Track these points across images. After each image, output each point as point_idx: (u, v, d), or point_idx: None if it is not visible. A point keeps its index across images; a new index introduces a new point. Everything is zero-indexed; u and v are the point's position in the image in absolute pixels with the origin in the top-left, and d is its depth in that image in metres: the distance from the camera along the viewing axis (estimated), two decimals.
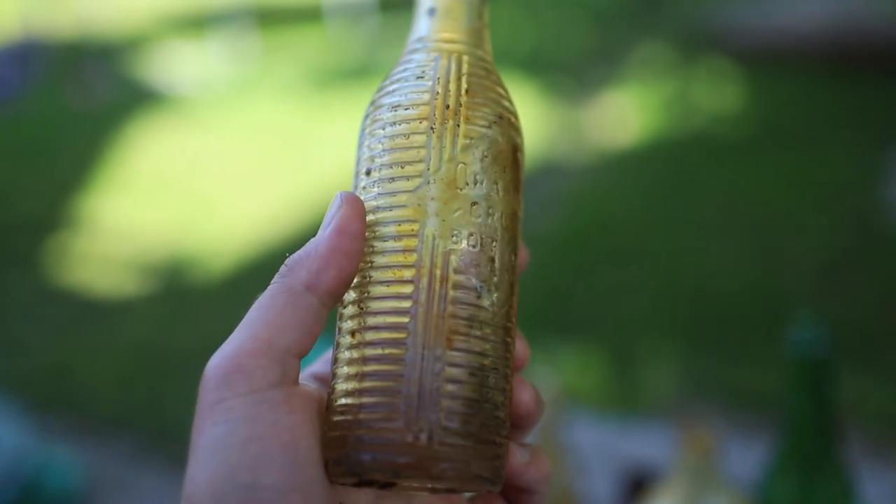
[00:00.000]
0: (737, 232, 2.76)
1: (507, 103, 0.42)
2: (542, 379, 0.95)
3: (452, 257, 0.39)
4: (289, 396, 0.36)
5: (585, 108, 3.77)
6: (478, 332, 0.38)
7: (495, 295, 0.39)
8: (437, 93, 0.41)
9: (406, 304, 0.38)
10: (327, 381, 0.40)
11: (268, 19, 5.06)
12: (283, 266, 0.39)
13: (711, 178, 3.15)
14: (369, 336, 0.38)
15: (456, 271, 0.39)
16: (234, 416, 0.35)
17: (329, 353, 0.42)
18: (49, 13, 5.09)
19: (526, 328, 0.44)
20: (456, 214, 0.39)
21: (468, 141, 0.40)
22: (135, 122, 4.04)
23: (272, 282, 0.39)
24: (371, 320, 0.38)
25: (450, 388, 0.37)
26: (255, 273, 2.70)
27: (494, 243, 0.40)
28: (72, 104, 4.25)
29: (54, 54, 4.80)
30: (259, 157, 3.69)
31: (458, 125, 0.40)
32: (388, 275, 0.38)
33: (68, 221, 3.22)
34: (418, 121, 0.41)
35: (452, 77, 0.41)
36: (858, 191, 2.92)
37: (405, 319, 0.38)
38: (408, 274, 0.38)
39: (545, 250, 2.69)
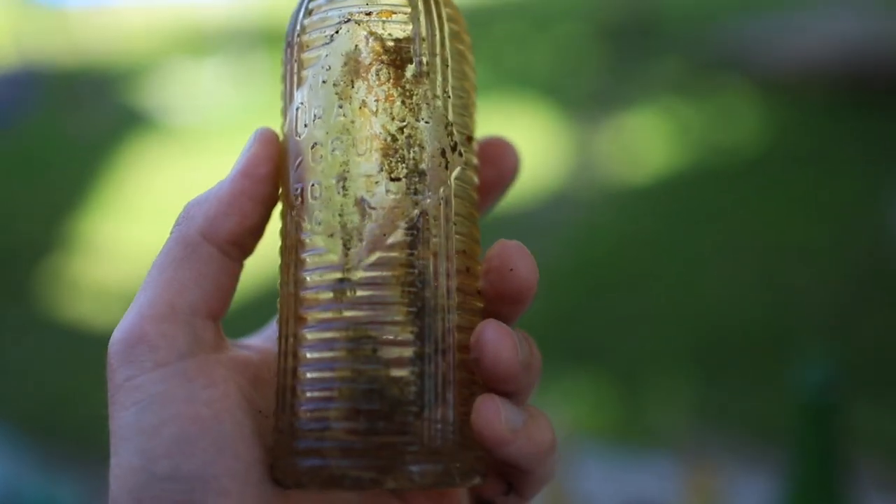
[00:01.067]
0: (748, 261, 2.74)
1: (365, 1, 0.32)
2: (550, 413, 0.94)
3: (299, 220, 0.32)
4: (205, 366, 0.31)
5: (597, 134, 3.75)
6: (341, 303, 0.31)
7: (360, 247, 0.31)
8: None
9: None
10: None
11: (270, 42, 5.07)
12: (181, 211, 0.34)
13: (723, 206, 3.12)
14: None
15: (302, 246, 0.32)
16: (143, 397, 0.30)
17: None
18: (47, 38, 5.10)
19: None
20: (298, 167, 0.32)
21: (305, 72, 0.33)
22: (134, 148, 4.04)
23: (170, 231, 0.34)
24: None
25: (309, 375, 0.31)
26: (256, 298, 2.68)
27: (344, 183, 0.31)
28: (70, 131, 4.24)
29: (52, 79, 4.80)
30: None
31: (297, 59, 0.33)
32: None
33: (67, 249, 3.21)
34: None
35: (299, 15, 0.34)
36: (872, 220, 2.90)
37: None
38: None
39: (554, 278, 2.67)
